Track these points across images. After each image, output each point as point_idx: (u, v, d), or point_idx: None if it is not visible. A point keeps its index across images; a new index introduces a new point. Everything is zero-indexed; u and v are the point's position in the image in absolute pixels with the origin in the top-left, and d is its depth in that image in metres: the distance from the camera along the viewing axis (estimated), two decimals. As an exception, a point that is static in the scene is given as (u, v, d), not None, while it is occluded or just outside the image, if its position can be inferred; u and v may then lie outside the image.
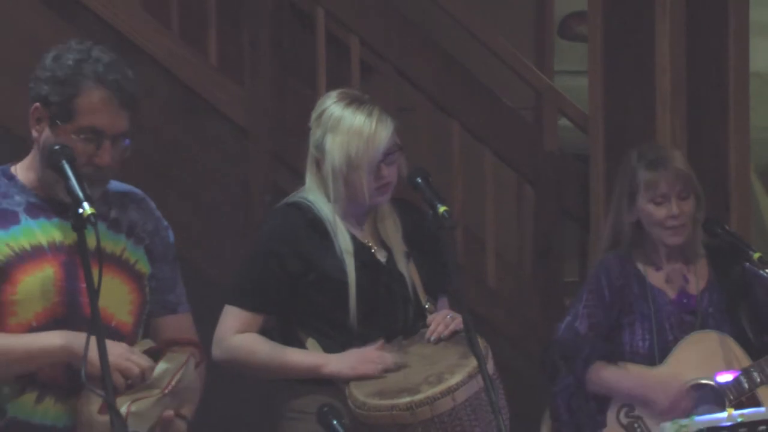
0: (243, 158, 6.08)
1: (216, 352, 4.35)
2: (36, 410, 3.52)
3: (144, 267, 3.72)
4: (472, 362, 4.09)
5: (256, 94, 6.08)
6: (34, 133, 3.59)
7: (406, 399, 4.08)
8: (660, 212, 4.82)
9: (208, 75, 6.07)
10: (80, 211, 3.37)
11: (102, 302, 3.49)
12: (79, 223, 3.38)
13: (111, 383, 3.34)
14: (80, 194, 3.39)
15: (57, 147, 3.48)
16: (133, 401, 3.46)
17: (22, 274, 3.52)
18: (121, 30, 5.94)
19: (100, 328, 3.36)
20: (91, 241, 3.47)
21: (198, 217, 6.01)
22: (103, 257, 3.49)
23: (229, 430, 5.45)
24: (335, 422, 3.93)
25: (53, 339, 3.51)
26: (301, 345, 4.35)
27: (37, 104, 3.57)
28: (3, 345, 3.49)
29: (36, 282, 3.53)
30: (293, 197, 4.42)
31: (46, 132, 3.56)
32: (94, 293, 3.37)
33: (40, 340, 3.51)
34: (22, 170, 3.65)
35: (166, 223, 3.87)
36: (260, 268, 4.35)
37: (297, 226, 4.34)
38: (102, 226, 3.59)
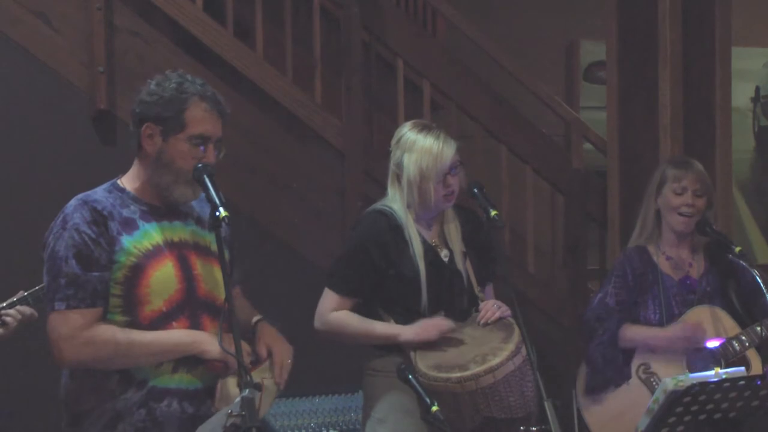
0: (341, 174, 6.08)
1: (317, 324, 4.34)
2: (173, 378, 3.41)
3: (226, 254, 3.46)
4: (510, 347, 4.08)
5: (351, 125, 6.08)
6: (147, 148, 3.43)
7: (457, 374, 4.04)
8: (678, 200, 4.78)
9: (315, 111, 6.07)
10: (217, 214, 3.27)
11: (208, 286, 3.47)
12: (216, 223, 3.28)
13: (241, 351, 3.26)
14: (217, 201, 3.30)
15: (200, 165, 3.38)
16: (263, 379, 3.42)
17: (151, 270, 3.40)
18: (247, 75, 5.98)
19: (232, 305, 3.28)
20: (183, 235, 3.44)
21: (305, 218, 6.02)
22: (200, 249, 3.44)
23: (325, 384, 5.46)
24: (411, 377, 3.92)
25: (184, 337, 3.41)
26: (382, 321, 4.30)
27: (149, 123, 3.42)
28: (142, 341, 3.38)
29: (162, 275, 3.40)
30: (378, 205, 4.38)
31: (159, 144, 3.42)
32: (228, 276, 3.30)
33: (174, 337, 3.40)
34: (129, 182, 3.49)
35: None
36: (353, 263, 4.30)
37: (383, 231, 4.28)
38: (192, 224, 3.52)
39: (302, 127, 6.07)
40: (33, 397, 5.14)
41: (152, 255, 3.41)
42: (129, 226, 3.42)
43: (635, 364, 4.77)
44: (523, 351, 4.07)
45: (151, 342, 3.39)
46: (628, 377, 4.75)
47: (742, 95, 7.81)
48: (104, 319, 3.40)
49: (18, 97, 5.57)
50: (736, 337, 4.68)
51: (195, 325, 3.45)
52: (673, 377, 3.95)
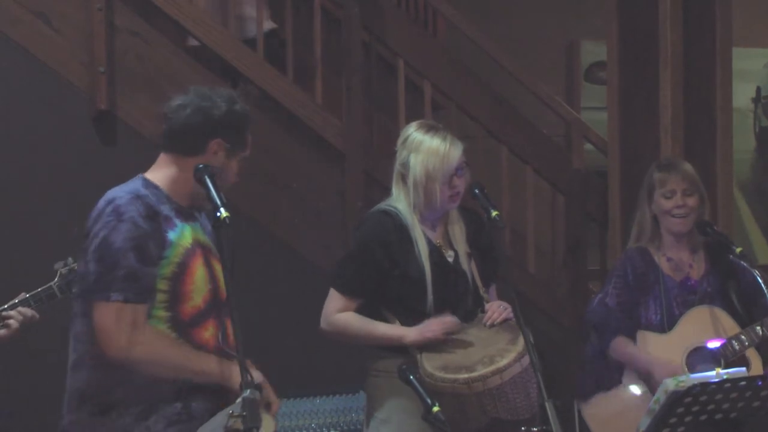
0: (341, 174, 6.08)
1: (322, 325, 4.33)
2: None
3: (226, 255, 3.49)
4: (517, 348, 4.07)
5: (351, 125, 6.08)
6: (213, 162, 3.48)
7: (465, 375, 4.04)
8: (668, 203, 4.78)
9: (315, 111, 6.07)
10: (218, 214, 3.31)
11: (223, 286, 3.48)
12: (217, 223, 3.32)
13: (243, 351, 3.28)
14: (218, 201, 3.34)
15: (201, 166, 3.42)
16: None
17: (193, 267, 3.46)
18: (249, 76, 5.98)
19: (232, 305, 3.33)
20: (202, 236, 3.50)
21: (305, 218, 6.02)
22: (209, 249, 3.50)
23: (326, 384, 5.46)
24: (411, 377, 3.91)
25: (215, 367, 3.44)
26: (387, 322, 4.30)
27: (219, 140, 3.49)
28: (188, 357, 3.42)
29: (200, 273, 3.47)
30: (383, 205, 4.37)
31: (221, 160, 3.50)
32: (230, 276, 3.33)
33: (206, 363, 3.44)
34: (165, 182, 3.53)
35: None
36: (358, 264, 4.29)
37: (388, 231, 4.27)
38: (197, 226, 3.55)
39: (302, 127, 6.06)
40: (33, 397, 5.14)
41: (191, 253, 3.47)
42: (169, 223, 3.46)
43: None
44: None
45: (195, 359, 3.42)
46: (617, 383, 4.74)
47: (742, 96, 7.81)
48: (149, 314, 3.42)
49: (18, 97, 5.58)
50: (736, 337, 4.68)
51: (222, 324, 3.50)
52: (674, 377, 3.95)
